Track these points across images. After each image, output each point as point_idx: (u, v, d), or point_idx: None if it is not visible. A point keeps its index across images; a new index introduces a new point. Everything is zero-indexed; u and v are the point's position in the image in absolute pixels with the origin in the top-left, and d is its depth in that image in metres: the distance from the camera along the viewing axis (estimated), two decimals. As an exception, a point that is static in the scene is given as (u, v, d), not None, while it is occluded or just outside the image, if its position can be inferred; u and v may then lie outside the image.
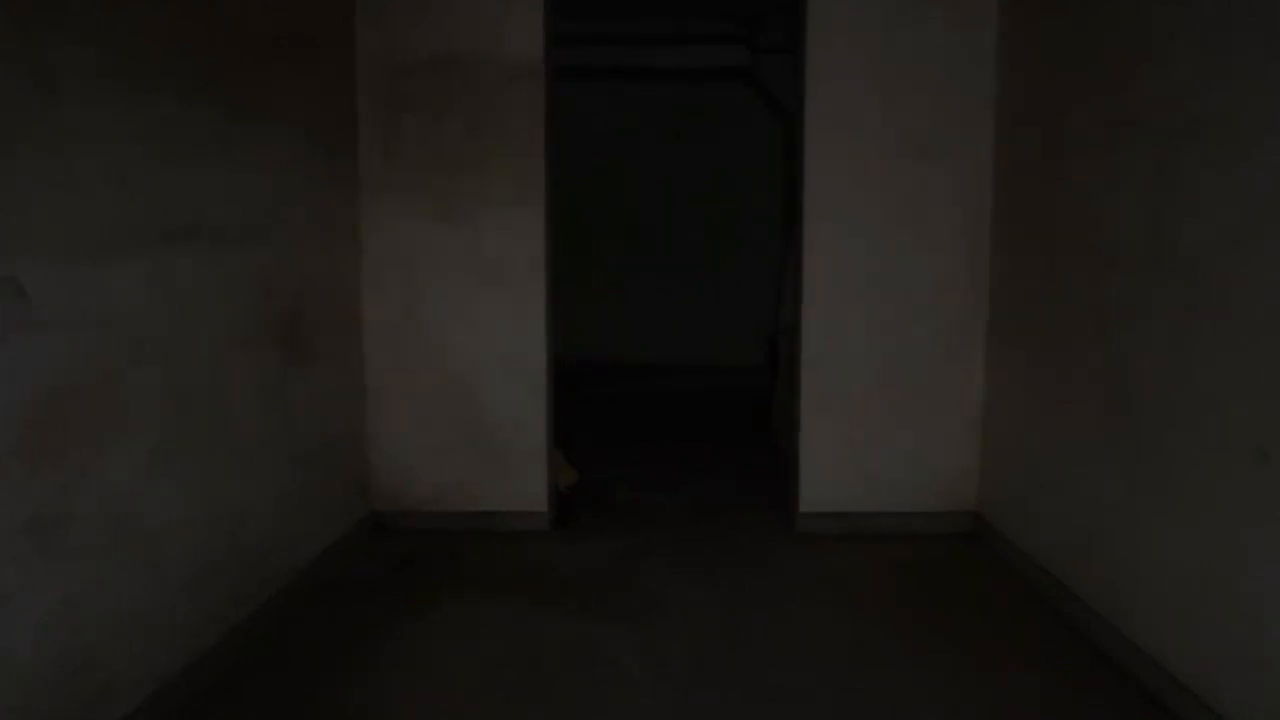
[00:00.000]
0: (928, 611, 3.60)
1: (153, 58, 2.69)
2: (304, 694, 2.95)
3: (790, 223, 7.76)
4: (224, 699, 2.90)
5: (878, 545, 4.34)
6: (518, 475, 4.56)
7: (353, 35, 4.31)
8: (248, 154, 3.29)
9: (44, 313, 2.25)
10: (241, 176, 3.24)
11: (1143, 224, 3.01)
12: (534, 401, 4.54)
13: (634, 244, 9.76)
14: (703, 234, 9.70)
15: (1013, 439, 4.17)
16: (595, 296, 9.71)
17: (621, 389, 9.03)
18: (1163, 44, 2.93)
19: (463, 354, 4.50)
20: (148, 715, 2.65)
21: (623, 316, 9.84)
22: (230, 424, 3.15)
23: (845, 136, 4.38)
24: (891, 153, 4.38)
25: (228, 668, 3.05)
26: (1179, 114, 2.83)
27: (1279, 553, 2.40)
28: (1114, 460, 3.21)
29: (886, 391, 4.48)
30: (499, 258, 4.46)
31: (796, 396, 4.57)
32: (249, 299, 3.29)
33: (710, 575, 3.95)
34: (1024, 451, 4.03)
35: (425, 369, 4.51)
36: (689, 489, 5.31)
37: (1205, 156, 2.70)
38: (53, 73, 2.29)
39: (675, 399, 8.65)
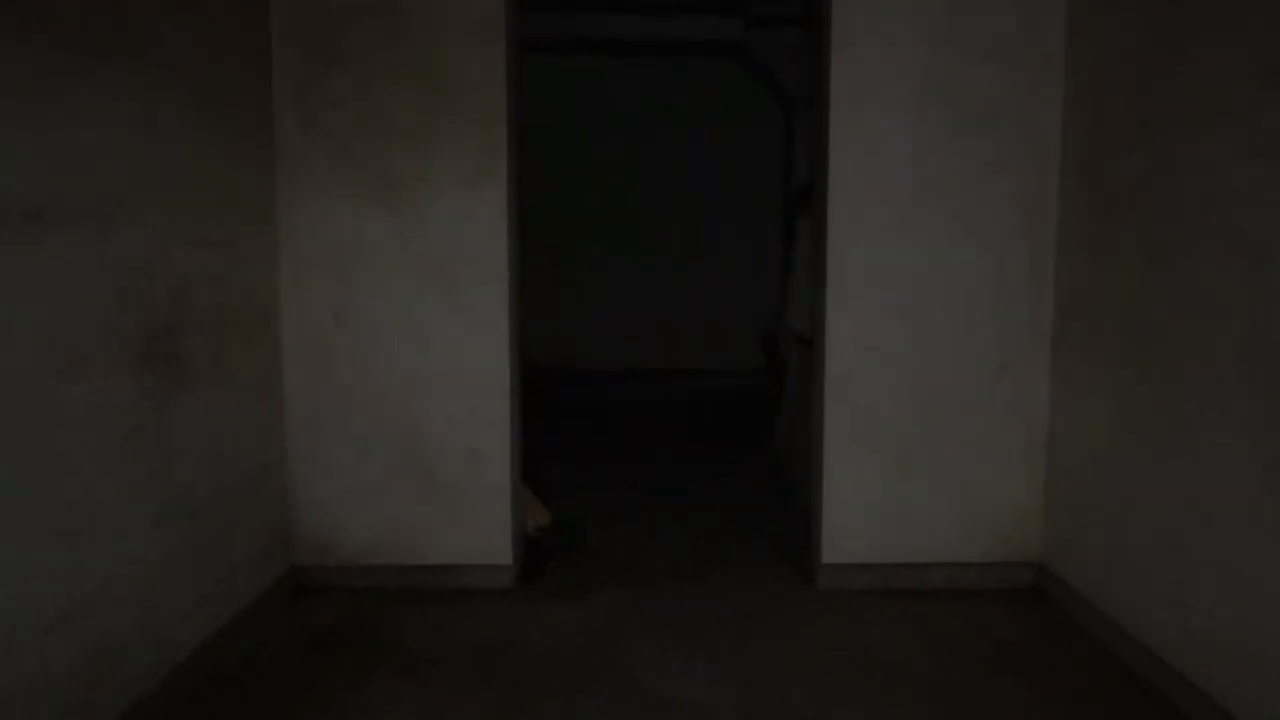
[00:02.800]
0: (1003, 708, 2.76)
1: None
2: None
3: (793, 214, 6.95)
4: None
5: (920, 607, 3.50)
6: (475, 519, 3.68)
7: (263, -33, 3.42)
8: (94, 107, 2.39)
9: None
10: (83, 138, 2.34)
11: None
12: (495, 427, 3.67)
13: (623, 238, 8.89)
14: (697, 227, 8.85)
15: (1090, 474, 3.34)
16: (578, 295, 8.87)
17: (607, 396, 8.19)
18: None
19: (406, 369, 3.62)
20: None
21: (610, 317, 8.99)
22: (59, 477, 2.25)
23: (877, 104, 3.54)
24: (934, 124, 3.54)
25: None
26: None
27: None
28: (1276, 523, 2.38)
29: (929, 415, 3.64)
30: (452, 250, 3.58)
31: (818, 420, 3.73)
32: (95, 306, 2.39)
33: (716, 657, 3.09)
34: (1107, 491, 3.20)
35: (359, 388, 3.62)
36: (684, 525, 4.46)
37: None
38: None
39: (666, 406, 7.82)
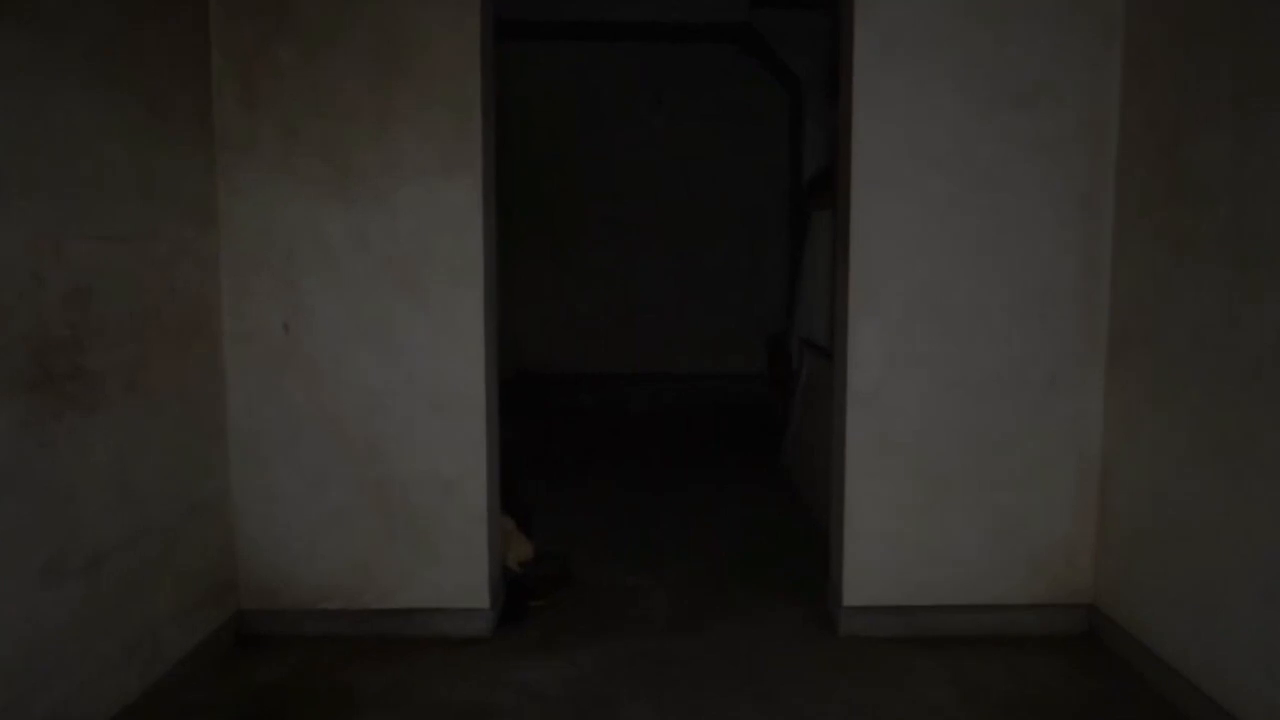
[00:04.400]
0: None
1: None
2: None
3: (805, 208, 6.48)
4: None
5: (957, 656, 3.04)
6: (447, 556, 3.22)
7: (196, -80, 2.95)
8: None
9: None
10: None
11: None
12: (470, 451, 3.20)
13: (615, 233, 8.40)
14: (698, 223, 8.36)
15: (1153, 505, 2.88)
16: (571, 295, 8.39)
17: (601, 401, 7.73)
18: None
19: (367, 385, 3.15)
20: None
21: (605, 318, 8.51)
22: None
23: (907, 80, 3.08)
24: (974, 102, 3.08)
25: None
26: None
27: None
28: None
29: (966, 436, 3.18)
30: (419, 249, 3.12)
31: (839, 441, 3.27)
32: (-45, 316, 1.93)
33: (727, 724, 2.63)
34: (1174, 523, 2.75)
35: (314, 408, 3.15)
36: (683, 559, 3.98)
37: None
38: None
39: (664, 412, 7.37)
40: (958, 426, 3.18)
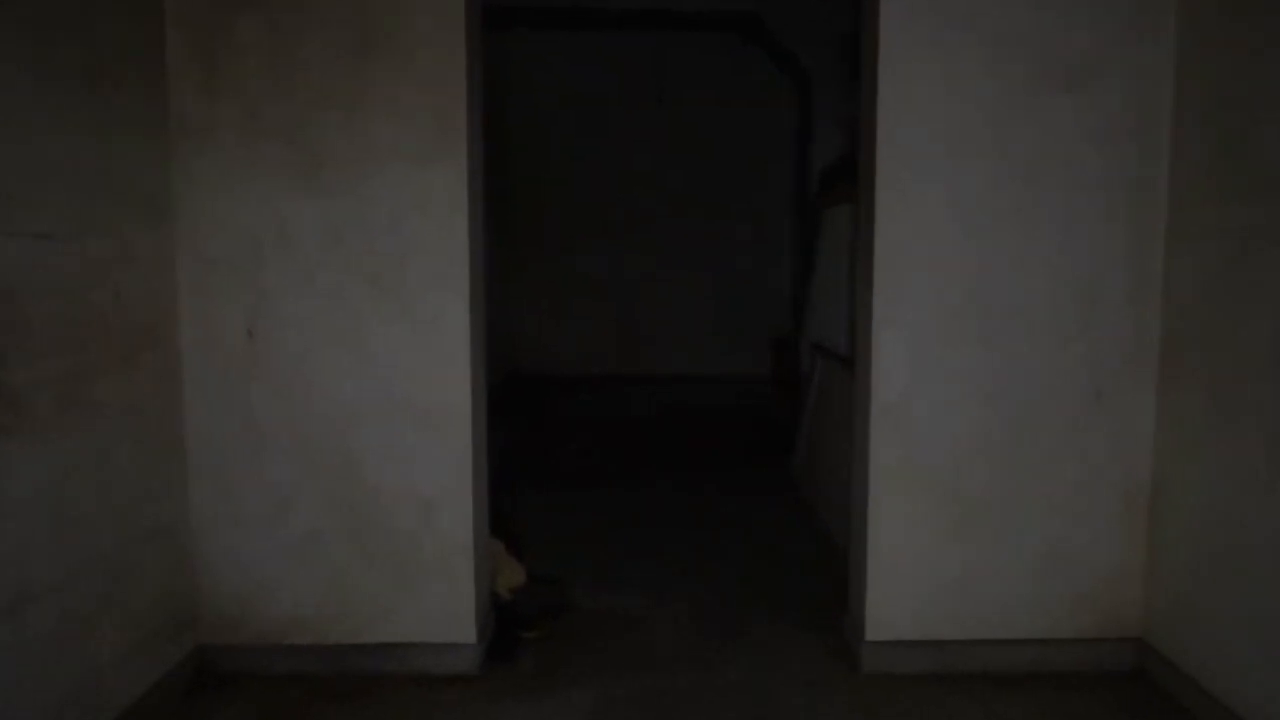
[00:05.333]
0: None
1: None
2: None
3: (817, 204, 6.18)
4: None
5: (992, 697, 2.75)
6: (428, 584, 2.92)
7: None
8: None
9: None
10: None
11: None
12: (454, 468, 2.90)
13: (614, 230, 8.11)
14: (696, 218, 8.06)
15: (1211, 531, 2.59)
16: (564, 293, 8.11)
17: (597, 406, 7.42)
18: None
19: (340, 397, 2.85)
20: None
21: (605, 319, 8.23)
22: None
23: (937, 63, 2.79)
24: (1013, 84, 2.79)
25: None
26: None
27: None
28: None
29: (1002, 455, 2.88)
30: (397, 246, 2.82)
31: (861, 459, 2.97)
32: None
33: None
34: (1234, 551, 2.46)
35: (281, 422, 2.85)
36: (688, 579, 3.69)
37: None
38: None
39: (667, 416, 7.06)
40: (992, 444, 2.88)
